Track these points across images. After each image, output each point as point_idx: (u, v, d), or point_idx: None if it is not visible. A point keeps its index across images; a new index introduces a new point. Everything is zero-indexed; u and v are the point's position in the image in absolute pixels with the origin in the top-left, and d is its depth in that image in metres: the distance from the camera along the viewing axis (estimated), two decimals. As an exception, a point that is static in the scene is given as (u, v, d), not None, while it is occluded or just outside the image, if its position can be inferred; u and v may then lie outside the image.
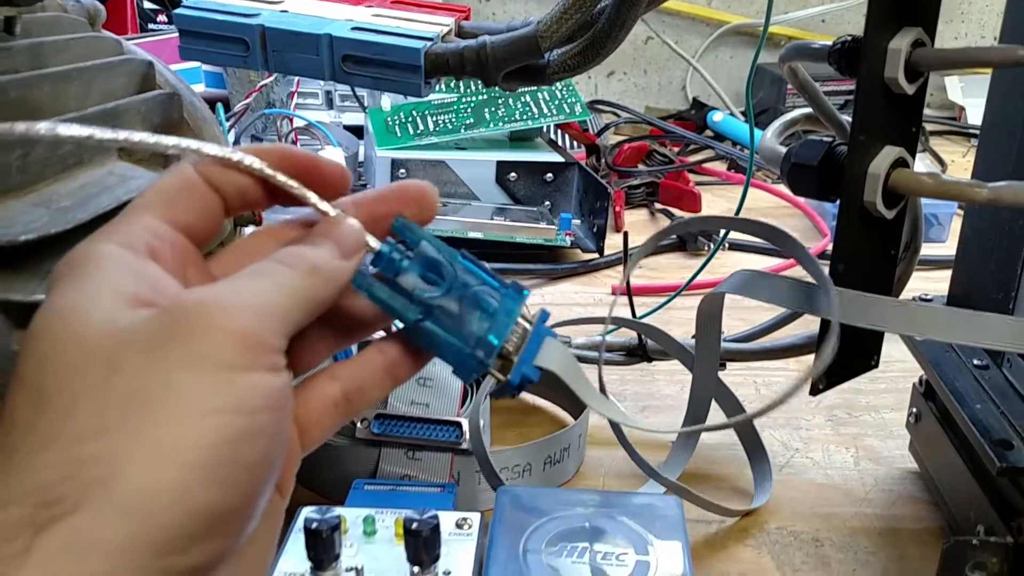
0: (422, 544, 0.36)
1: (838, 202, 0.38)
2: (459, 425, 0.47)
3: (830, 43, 0.39)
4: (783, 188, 1.03)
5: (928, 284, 0.69)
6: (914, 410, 0.50)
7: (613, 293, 0.76)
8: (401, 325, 0.26)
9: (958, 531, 0.44)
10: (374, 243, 0.26)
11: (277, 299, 0.23)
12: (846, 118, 0.44)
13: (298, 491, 0.49)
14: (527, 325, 0.26)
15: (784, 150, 0.41)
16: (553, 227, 0.80)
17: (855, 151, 0.36)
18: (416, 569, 0.35)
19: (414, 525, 0.36)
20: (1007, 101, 0.42)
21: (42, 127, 0.24)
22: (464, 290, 0.25)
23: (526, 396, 0.59)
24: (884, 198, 0.37)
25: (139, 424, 0.21)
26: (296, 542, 0.38)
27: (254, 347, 0.22)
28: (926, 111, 1.44)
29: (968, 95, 1.33)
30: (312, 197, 0.25)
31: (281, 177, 0.25)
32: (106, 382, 0.21)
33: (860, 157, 0.37)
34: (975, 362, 0.43)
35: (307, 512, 0.37)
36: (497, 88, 0.48)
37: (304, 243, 0.25)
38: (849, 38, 0.38)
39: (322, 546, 0.36)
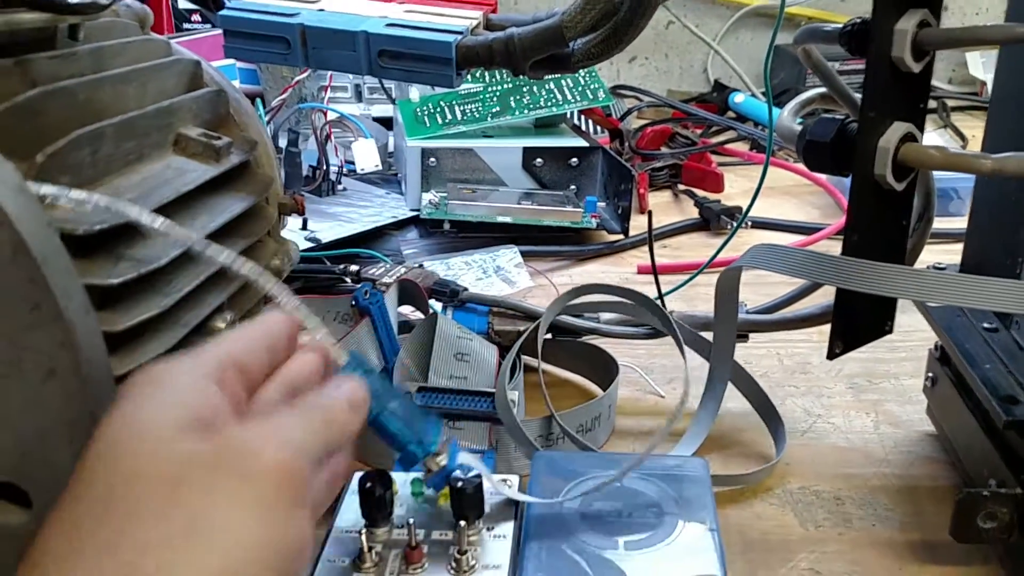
0: (467, 501, 0.38)
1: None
2: (494, 396, 0.50)
3: (840, 25, 0.41)
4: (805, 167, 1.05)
5: (950, 257, 0.71)
6: (930, 374, 0.52)
7: (639, 272, 0.79)
8: None
9: (972, 486, 0.46)
10: (339, 358, 0.34)
11: (307, 440, 0.27)
12: (859, 96, 0.46)
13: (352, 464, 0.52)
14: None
15: (800, 128, 0.43)
16: (579, 210, 0.82)
17: (865, 127, 0.39)
18: (462, 523, 0.38)
19: (459, 483, 0.38)
20: (1013, 76, 0.44)
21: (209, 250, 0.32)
22: (407, 407, 0.36)
23: (557, 371, 0.62)
24: (894, 171, 0.39)
25: (196, 547, 0.24)
26: (351, 503, 0.41)
27: (293, 480, 0.26)
28: (948, 87, 1.44)
29: (989, 70, 1.34)
30: (328, 344, 0.34)
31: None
32: (169, 500, 0.24)
33: (870, 133, 0.39)
34: (985, 325, 0.45)
35: (360, 475, 0.40)
36: (523, 76, 0.50)
37: (327, 391, 0.30)
38: (859, 20, 0.40)
39: (376, 505, 0.39)
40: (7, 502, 0.32)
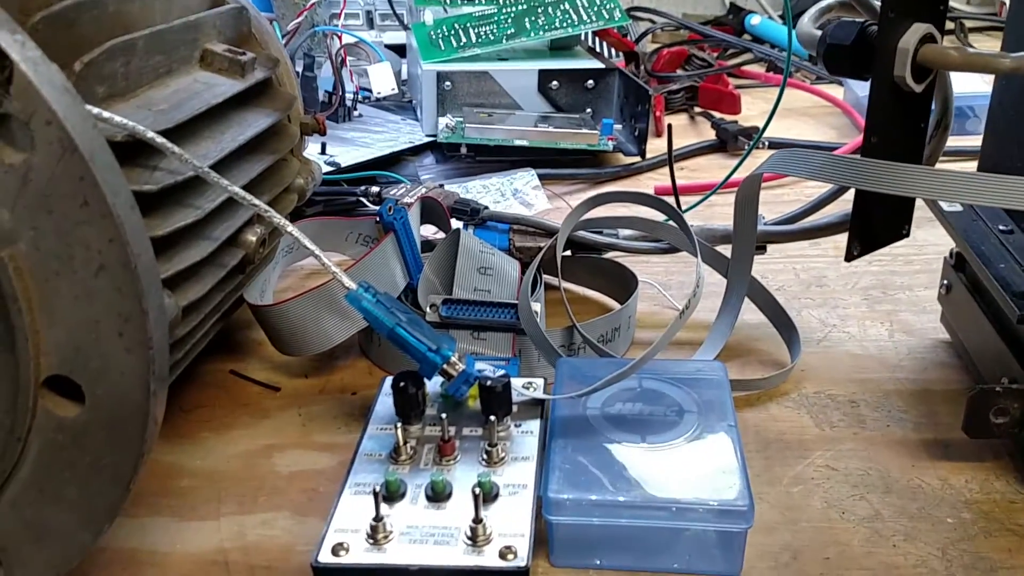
0: (496, 399, 0.40)
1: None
2: (517, 307, 0.51)
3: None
4: (822, 87, 1.04)
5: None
6: (945, 282, 0.53)
7: (657, 193, 0.79)
8: None
9: (984, 386, 0.47)
10: (351, 284, 0.41)
11: None
12: (877, 2, 0.46)
13: (376, 372, 0.54)
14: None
15: (820, 33, 0.44)
16: (595, 133, 0.82)
17: (885, 28, 0.39)
18: (491, 419, 0.40)
19: (488, 382, 0.40)
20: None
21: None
22: (420, 322, 0.41)
23: (577, 288, 0.63)
24: (913, 72, 0.40)
25: None
26: (384, 403, 0.43)
27: None
28: (966, 8, 1.42)
29: (1010, -11, 1.31)
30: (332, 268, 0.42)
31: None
32: None
33: (890, 33, 0.39)
34: (1000, 228, 0.46)
35: (392, 377, 0.42)
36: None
37: None
38: (879, -76, 0.40)
39: (409, 402, 0.40)
40: (61, 396, 0.33)
